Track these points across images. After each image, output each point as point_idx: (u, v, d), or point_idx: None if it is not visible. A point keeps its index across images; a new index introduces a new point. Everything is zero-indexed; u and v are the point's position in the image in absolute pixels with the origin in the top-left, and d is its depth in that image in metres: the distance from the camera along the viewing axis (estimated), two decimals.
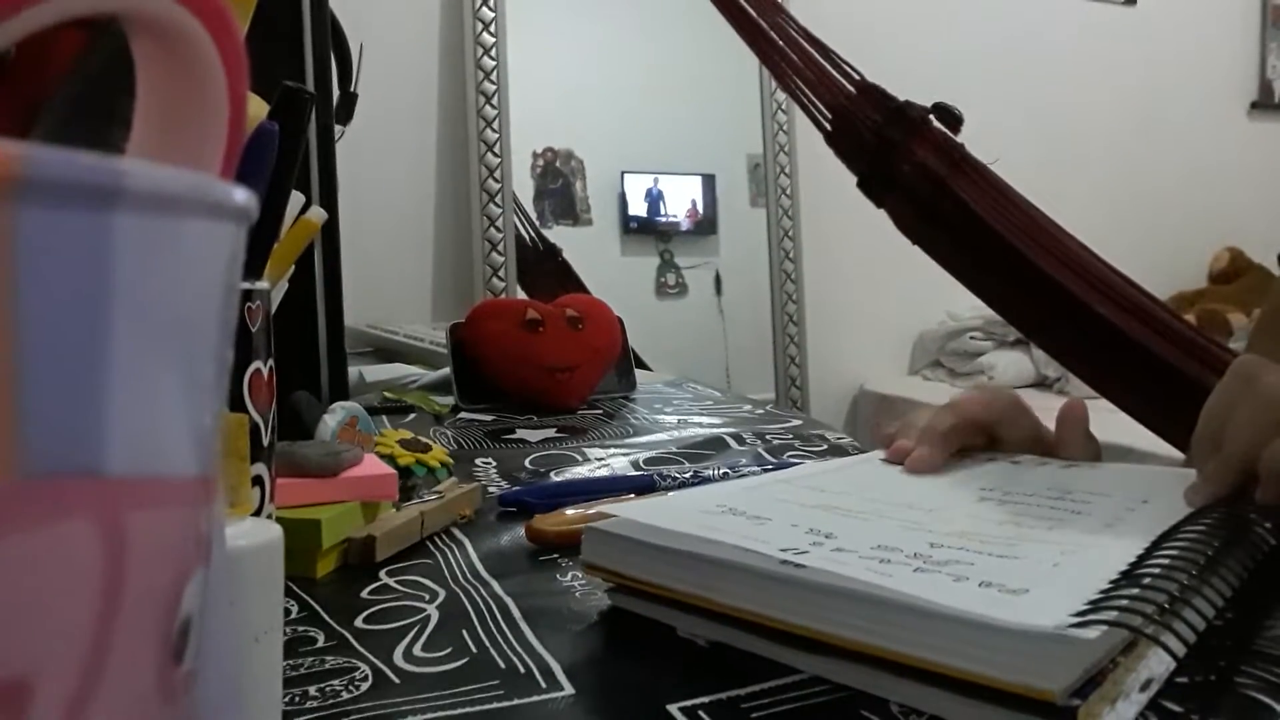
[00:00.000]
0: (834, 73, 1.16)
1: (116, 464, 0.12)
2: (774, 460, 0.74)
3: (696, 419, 0.93)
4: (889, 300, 2.49)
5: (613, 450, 0.77)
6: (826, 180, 1.72)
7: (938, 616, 0.29)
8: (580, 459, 0.74)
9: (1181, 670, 0.31)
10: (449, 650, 0.37)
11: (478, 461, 0.73)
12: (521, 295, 2.01)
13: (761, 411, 0.98)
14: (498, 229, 2.02)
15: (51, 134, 0.26)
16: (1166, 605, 0.30)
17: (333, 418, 0.61)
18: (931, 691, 0.31)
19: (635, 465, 0.72)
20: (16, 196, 0.10)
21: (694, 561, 0.36)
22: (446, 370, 1.05)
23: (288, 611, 0.41)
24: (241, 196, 0.14)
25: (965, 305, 2.33)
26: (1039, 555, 0.35)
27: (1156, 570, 0.32)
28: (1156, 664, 0.30)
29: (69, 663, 0.12)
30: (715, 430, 0.86)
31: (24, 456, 0.11)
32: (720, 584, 0.35)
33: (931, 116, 1.12)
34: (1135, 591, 0.30)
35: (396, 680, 0.35)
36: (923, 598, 0.30)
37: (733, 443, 0.81)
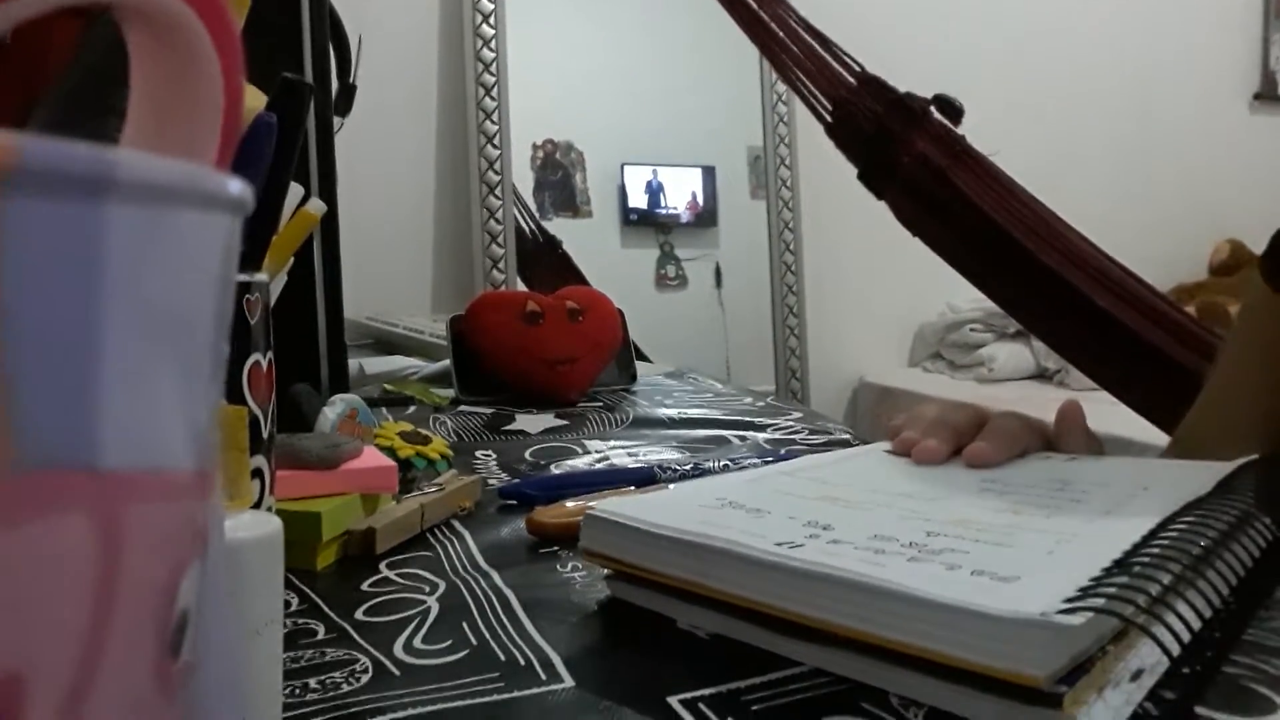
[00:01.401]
0: (834, 64, 1.16)
1: (111, 457, 0.12)
2: (775, 452, 0.74)
3: (697, 411, 0.93)
4: (889, 292, 2.49)
5: (613, 442, 0.77)
6: (827, 172, 1.72)
7: (928, 604, 0.30)
8: (580, 451, 0.74)
9: (1172, 659, 0.31)
10: (449, 642, 0.37)
11: (478, 454, 0.73)
12: (521, 287, 2.01)
13: (762, 403, 0.98)
14: (497, 221, 2.01)
15: (45, 124, 0.26)
16: (1157, 595, 0.30)
17: (332, 410, 0.61)
18: (924, 679, 0.31)
19: (635, 457, 0.72)
20: (9, 186, 0.10)
21: (690, 549, 0.36)
22: (446, 362, 1.05)
23: (288, 604, 0.41)
24: (236, 187, 0.14)
25: (965, 297, 2.33)
26: (1034, 543, 0.35)
27: (1147, 559, 0.32)
28: (1148, 654, 0.30)
29: (65, 657, 0.12)
30: (716, 422, 0.86)
31: (17, 451, 0.11)
32: (715, 571, 0.36)
33: (932, 108, 1.12)
34: (1124, 580, 0.30)
35: (397, 672, 0.35)
36: (914, 588, 0.30)
37: (733, 434, 0.81)
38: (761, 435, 0.81)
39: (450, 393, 0.99)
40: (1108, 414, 1.37)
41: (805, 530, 0.37)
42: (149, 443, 0.13)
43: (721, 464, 0.64)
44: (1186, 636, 0.30)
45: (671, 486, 0.51)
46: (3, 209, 0.10)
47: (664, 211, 2.28)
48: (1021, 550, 0.34)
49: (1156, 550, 0.33)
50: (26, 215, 0.11)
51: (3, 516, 0.11)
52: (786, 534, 0.36)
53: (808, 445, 0.77)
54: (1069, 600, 0.28)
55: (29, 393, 0.11)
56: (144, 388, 0.13)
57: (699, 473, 0.61)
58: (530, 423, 0.87)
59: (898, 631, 0.31)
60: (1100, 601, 0.28)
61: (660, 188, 2.27)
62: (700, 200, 2.32)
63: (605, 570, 0.41)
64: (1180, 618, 0.30)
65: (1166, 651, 0.29)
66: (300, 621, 0.40)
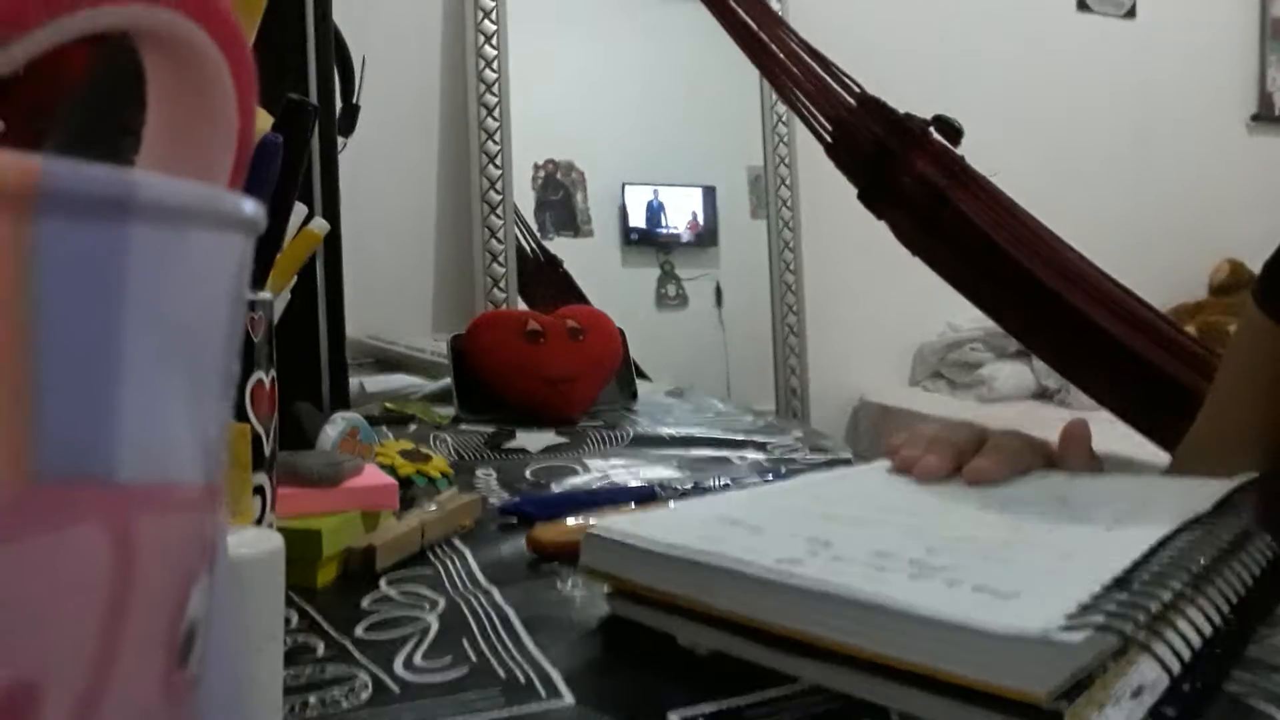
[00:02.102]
0: (834, 85, 1.17)
1: (126, 471, 0.12)
2: (775, 470, 0.74)
3: (697, 430, 0.93)
4: (889, 311, 2.49)
5: (613, 461, 0.78)
6: (827, 192, 1.73)
7: (929, 621, 0.30)
8: (581, 470, 0.74)
9: (1173, 677, 0.31)
10: (449, 659, 0.37)
11: (478, 472, 0.73)
12: (522, 306, 2.01)
13: (762, 423, 0.98)
14: (499, 240, 2.02)
15: (63, 147, 0.26)
16: (1157, 612, 0.30)
17: (334, 428, 0.61)
18: (924, 696, 0.31)
19: (636, 475, 0.72)
20: (33, 208, 0.11)
21: (691, 566, 0.36)
22: (447, 381, 1.05)
23: (288, 621, 0.41)
24: (250, 208, 0.14)
25: (966, 316, 2.33)
26: (1034, 560, 0.35)
27: (1148, 576, 0.32)
28: (1149, 671, 0.30)
29: (77, 665, 0.12)
30: (716, 441, 0.86)
31: (37, 462, 0.11)
32: (717, 588, 0.36)
33: (931, 129, 1.13)
34: (1124, 597, 0.30)
35: (396, 689, 0.35)
36: (914, 605, 0.30)
37: (733, 453, 0.81)
38: (762, 454, 0.81)
39: (451, 411, 0.99)
40: (1108, 433, 1.37)
41: (806, 547, 0.37)
42: (163, 456, 0.13)
43: (722, 482, 0.64)
44: (1187, 654, 0.30)
45: (672, 504, 0.51)
46: (28, 230, 0.11)
47: (664, 231, 2.28)
48: (1022, 567, 0.34)
49: (1157, 568, 0.33)
50: (50, 235, 0.11)
51: (22, 526, 0.11)
52: (787, 551, 0.36)
53: (808, 464, 0.77)
54: (1070, 617, 0.28)
55: (51, 406, 0.11)
56: (159, 403, 0.13)
57: (700, 491, 0.61)
58: (531, 441, 0.87)
59: (898, 648, 0.31)
60: (1100, 619, 0.28)
61: (661, 207, 2.28)
62: (701, 220, 2.33)
63: (606, 588, 0.41)
64: (1181, 635, 0.30)
65: (1167, 669, 0.29)
66: (300, 638, 0.40)
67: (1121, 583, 0.32)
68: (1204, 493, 0.45)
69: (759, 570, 0.34)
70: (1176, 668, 0.29)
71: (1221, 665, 0.33)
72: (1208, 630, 0.33)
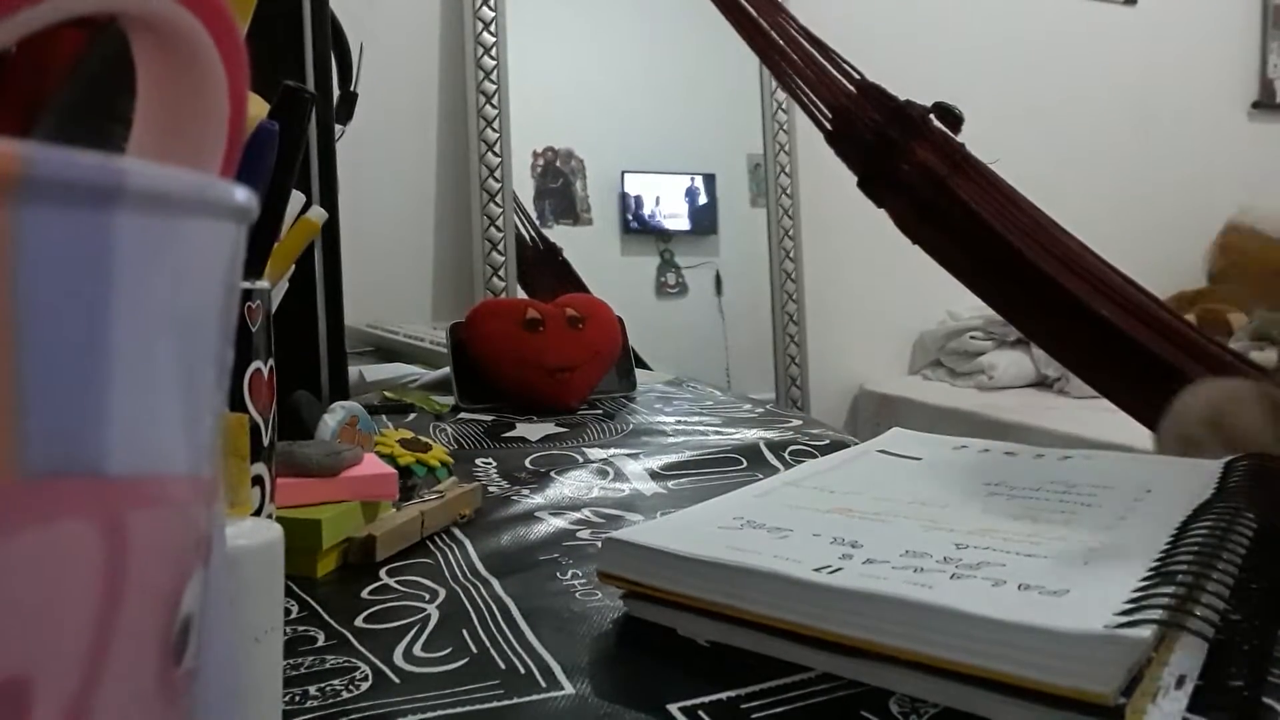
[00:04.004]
0: (834, 72, 1.16)
1: (117, 464, 0.12)
2: (780, 460, 0.74)
3: (696, 419, 0.93)
4: (889, 300, 2.49)
5: (613, 450, 0.77)
6: (827, 180, 1.72)
7: (989, 623, 0.29)
8: (580, 459, 0.74)
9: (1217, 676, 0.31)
10: (449, 650, 0.37)
11: (478, 461, 0.73)
12: (521, 295, 2.01)
13: (761, 411, 0.98)
14: (498, 228, 2.02)
15: (52, 133, 0.26)
16: (1202, 599, 0.30)
17: (333, 417, 0.61)
18: (979, 694, 0.30)
19: (648, 470, 0.72)
20: (17, 196, 0.10)
21: (724, 573, 0.36)
22: (446, 370, 1.05)
23: (288, 611, 0.41)
24: (242, 196, 0.14)
25: (966, 305, 2.33)
26: (1067, 552, 0.35)
27: (1184, 566, 0.32)
28: (1186, 659, 0.30)
29: (69, 662, 0.12)
30: (716, 429, 0.86)
31: (25, 456, 0.11)
32: (751, 593, 0.35)
33: (932, 116, 1.12)
34: (1172, 589, 0.30)
35: (396, 680, 0.35)
36: (970, 610, 0.30)
37: (733, 439, 0.81)
38: (771, 453, 0.81)
39: (450, 400, 0.99)
40: (1107, 421, 1.37)
41: (835, 549, 0.36)
42: (155, 449, 0.13)
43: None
44: (1218, 620, 0.30)
45: (682, 511, 0.49)
46: (14, 218, 0.10)
47: (664, 219, 2.28)
48: (1057, 561, 0.34)
49: (1190, 557, 0.33)
50: (37, 224, 0.11)
51: (10, 521, 0.11)
52: (819, 556, 0.36)
53: (813, 446, 0.77)
54: (1125, 612, 0.28)
55: (38, 399, 0.11)
56: (150, 394, 0.13)
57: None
58: (530, 430, 0.87)
59: (952, 650, 0.30)
60: (1159, 614, 0.28)
61: (661, 195, 2.27)
62: (701, 208, 2.32)
63: (620, 590, 0.41)
64: (1226, 621, 0.30)
65: (1205, 639, 0.29)
66: (300, 629, 0.40)
67: (1162, 575, 0.32)
68: (1199, 474, 0.46)
69: (801, 579, 0.34)
70: (1210, 633, 0.29)
71: (1259, 664, 0.33)
72: (1226, 594, 0.33)
